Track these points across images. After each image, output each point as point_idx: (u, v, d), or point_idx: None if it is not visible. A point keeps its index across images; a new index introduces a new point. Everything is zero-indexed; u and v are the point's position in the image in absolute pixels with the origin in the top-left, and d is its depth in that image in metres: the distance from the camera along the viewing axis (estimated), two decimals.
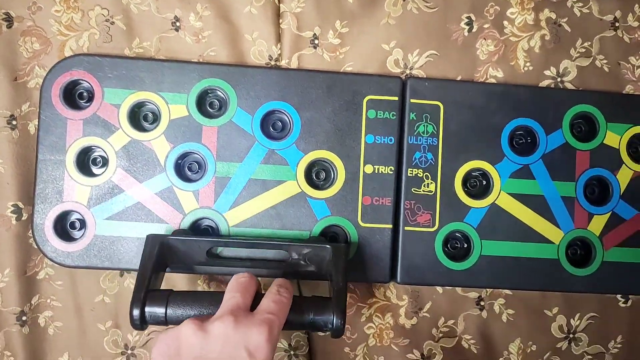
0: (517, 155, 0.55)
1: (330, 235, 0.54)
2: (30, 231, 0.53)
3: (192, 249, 0.49)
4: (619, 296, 0.58)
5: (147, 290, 0.45)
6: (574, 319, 0.57)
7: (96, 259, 0.52)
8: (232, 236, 0.52)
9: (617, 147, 0.56)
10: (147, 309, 0.44)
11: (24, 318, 0.53)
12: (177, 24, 0.55)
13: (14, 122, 0.53)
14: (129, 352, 0.54)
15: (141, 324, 0.44)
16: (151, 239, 0.49)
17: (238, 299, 0.43)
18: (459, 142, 0.54)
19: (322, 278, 0.51)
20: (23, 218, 0.53)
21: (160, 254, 0.48)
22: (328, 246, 0.49)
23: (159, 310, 0.44)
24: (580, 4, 0.57)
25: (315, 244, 0.50)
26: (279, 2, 0.56)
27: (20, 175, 0.53)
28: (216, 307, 0.43)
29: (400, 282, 0.54)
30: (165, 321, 0.45)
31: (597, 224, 0.55)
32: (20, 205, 0.53)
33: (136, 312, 0.44)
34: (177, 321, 0.43)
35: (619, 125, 0.56)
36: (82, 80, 0.52)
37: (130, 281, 0.55)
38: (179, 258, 0.50)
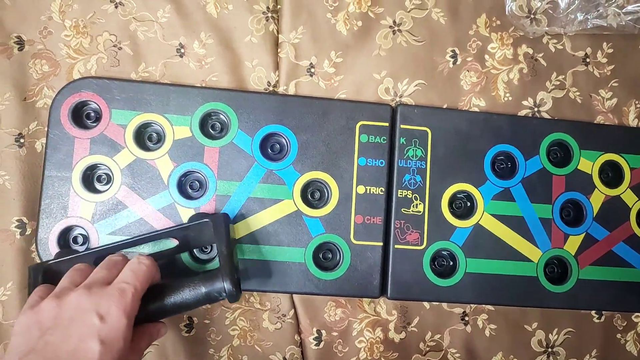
0: (499, 178, 0.59)
1: (324, 251, 0.57)
2: (34, 245, 0.55)
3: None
4: (593, 312, 0.61)
5: None
6: (552, 334, 0.60)
7: None
8: (112, 243, 0.52)
9: (590, 173, 0.60)
10: None
11: None
12: (182, 50, 0.58)
13: (22, 140, 0.56)
14: None
15: None
16: (32, 271, 0.49)
17: (99, 274, 0.46)
18: (445, 165, 0.58)
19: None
20: (27, 233, 0.55)
21: (48, 282, 0.48)
22: (207, 220, 0.51)
23: None
24: (555, 41, 0.63)
25: (194, 221, 0.52)
26: (278, 33, 0.60)
27: (26, 191, 0.55)
28: None
29: (390, 298, 0.57)
30: None
31: (573, 244, 0.59)
32: (25, 220, 0.55)
33: None
34: None
35: (592, 152, 0.60)
36: (91, 101, 0.55)
37: None
38: None
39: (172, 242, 0.54)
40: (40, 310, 0.42)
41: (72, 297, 0.43)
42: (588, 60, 0.63)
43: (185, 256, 0.55)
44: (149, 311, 0.46)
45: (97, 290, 0.43)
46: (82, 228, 0.54)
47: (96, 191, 0.55)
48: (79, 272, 0.47)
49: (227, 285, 0.47)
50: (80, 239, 0.55)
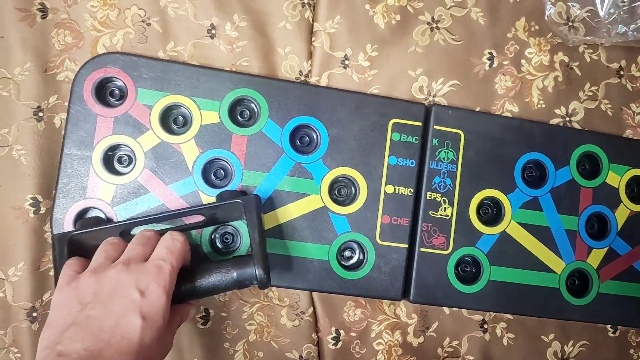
0: (528, 187, 0.58)
1: (349, 250, 0.55)
2: (48, 225, 0.52)
3: (105, 236, 0.47)
4: (608, 326, 0.61)
5: None
6: (567, 346, 0.60)
7: None
8: (139, 217, 0.50)
9: (617, 187, 0.59)
10: None
11: (34, 314, 0.52)
12: (213, 31, 0.56)
13: (40, 114, 0.53)
14: None
15: None
16: (58, 241, 0.47)
17: (135, 250, 0.45)
18: (476, 170, 0.57)
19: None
20: (41, 212, 0.52)
21: (73, 253, 0.46)
22: (239, 200, 0.50)
23: None
24: (591, 51, 0.62)
25: (225, 201, 0.50)
26: (313, 21, 0.58)
27: (42, 167, 0.52)
28: None
29: (412, 301, 0.55)
30: None
31: (596, 257, 0.59)
32: (40, 198, 0.52)
33: None
34: None
35: (620, 166, 0.60)
36: (116, 78, 0.52)
37: None
38: (95, 249, 0.46)
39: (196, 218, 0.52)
40: (79, 286, 0.41)
41: (111, 272, 0.41)
42: (622, 73, 0.62)
43: (206, 245, 0.53)
44: (181, 292, 0.45)
45: (136, 267, 0.42)
46: (101, 210, 0.52)
47: (117, 173, 0.53)
48: (114, 247, 0.45)
49: (259, 272, 0.46)
50: None
